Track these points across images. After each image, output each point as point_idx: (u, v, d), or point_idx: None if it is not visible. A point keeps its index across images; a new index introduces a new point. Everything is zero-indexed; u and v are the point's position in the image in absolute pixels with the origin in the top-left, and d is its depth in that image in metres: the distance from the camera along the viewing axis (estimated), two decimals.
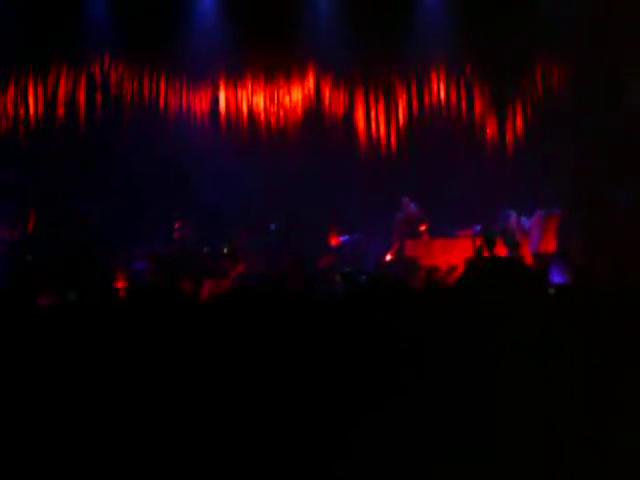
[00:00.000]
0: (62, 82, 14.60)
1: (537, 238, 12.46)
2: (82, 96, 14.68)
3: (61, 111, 14.57)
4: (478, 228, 12.46)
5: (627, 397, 3.17)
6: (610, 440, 3.13)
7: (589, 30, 13.34)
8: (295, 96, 15.33)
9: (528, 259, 11.45)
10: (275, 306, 4.45)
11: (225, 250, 13.11)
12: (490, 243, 10.19)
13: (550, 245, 12.23)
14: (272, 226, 13.50)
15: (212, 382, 3.69)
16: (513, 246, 11.84)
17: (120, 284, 12.15)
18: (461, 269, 10.99)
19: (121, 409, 3.58)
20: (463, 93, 14.97)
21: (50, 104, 14.52)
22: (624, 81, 13.07)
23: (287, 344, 3.86)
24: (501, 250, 11.48)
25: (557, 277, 10.85)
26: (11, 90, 14.38)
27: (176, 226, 13.30)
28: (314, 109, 15.30)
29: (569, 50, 13.95)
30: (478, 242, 11.65)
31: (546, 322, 3.65)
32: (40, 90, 14.49)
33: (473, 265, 7.90)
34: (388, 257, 12.94)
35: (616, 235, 11.86)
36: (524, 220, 12.75)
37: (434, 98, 15.03)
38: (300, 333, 3.98)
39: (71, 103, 14.59)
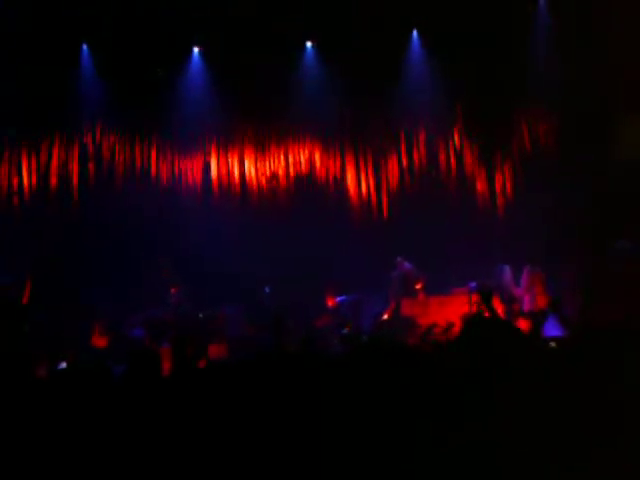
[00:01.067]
0: (55, 152, 14.71)
1: (529, 295, 12.47)
2: (75, 166, 14.79)
3: (54, 181, 14.66)
4: (473, 285, 12.51)
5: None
6: None
7: (573, 84, 13.54)
8: (286, 161, 15.48)
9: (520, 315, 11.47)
10: (275, 368, 4.46)
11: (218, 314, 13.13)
12: (486, 299, 10.21)
13: (541, 301, 12.22)
14: (266, 289, 13.54)
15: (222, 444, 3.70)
16: (508, 301, 11.89)
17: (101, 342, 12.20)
18: (458, 326, 11.02)
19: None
20: (452, 153, 15.14)
21: (43, 175, 14.61)
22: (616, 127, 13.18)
23: (292, 405, 3.87)
24: (497, 306, 11.50)
25: (552, 330, 10.88)
26: (4, 162, 14.48)
27: (172, 292, 13.29)
28: (305, 173, 15.44)
29: (554, 103, 14.14)
30: (474, 298, 11.67)
31: (547, 377, 3.67)
32: (33, 161, 14.59)
33: (470, 323, 7.91)
34: (385, 316, 12.96)
35: (611, 283, 11.90)
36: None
37: (423, 160, 15.20)
38: (304, 394, 3.98)
39: (64, 173, 14.69)
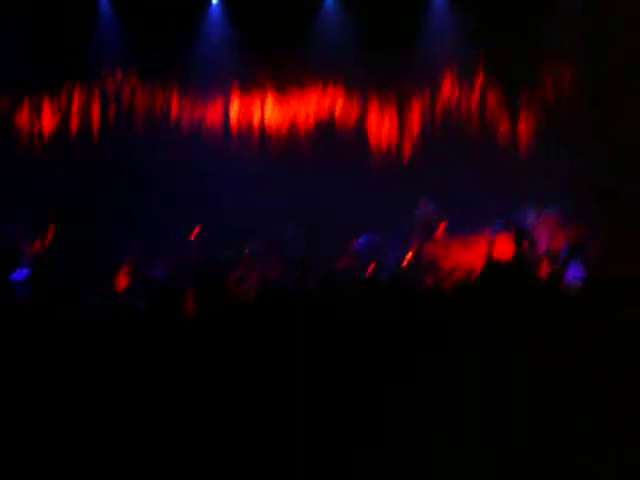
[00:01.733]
0: (75, 97, 14.71)
1: (546, 236, 12.39)
2: (95, 110, 14.79)
3: (74, 126, 14.69)
4: (498, 224, 12.42)
5: None
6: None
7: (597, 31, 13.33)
8: (307, 107, 15.38)
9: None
10: (297, 309, 4.46)
11: (246, 252, 13.17)
12: (520, 239, 10.13)
13: (557, 243, 12.14)
14: (292, 225, 13.57)
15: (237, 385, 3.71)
16: (530, 244, 11.81)
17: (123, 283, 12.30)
18: (480, 268, 10.99)
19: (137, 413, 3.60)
20: (475, 97, 14.96)
21: (64, 120, 14.64)
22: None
23: (312, 343, 3.88)
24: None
25: (575, 272, 10.84)
26: (25, 108, 14.51)
27: (195, 231, 13.35)
28: (326, 118, 15.34)
29: (577, 50, 13.93)
30: (502, 240, 11.61)
31: (568, 319, 3.64)
32: (55, 107, 14.61)
33: (491, 269, 7.87)
34: (408, 257, 12.94)
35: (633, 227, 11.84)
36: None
37: (446, 100, 15.04)
38: (319, 335, 3.99)
39: (84, 118, 14.71)
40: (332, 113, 15.31)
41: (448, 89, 15.02)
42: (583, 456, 2.96)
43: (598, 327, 3.52)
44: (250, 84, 15.30)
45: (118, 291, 12.24)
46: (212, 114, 15.25)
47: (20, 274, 11.02)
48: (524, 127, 14.65)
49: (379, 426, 3.39)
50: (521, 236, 10.18)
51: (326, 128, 15.28)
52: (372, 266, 11.95)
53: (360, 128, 15.29)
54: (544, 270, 9.88)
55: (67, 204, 13.44)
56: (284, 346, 3.95)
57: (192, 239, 13.34)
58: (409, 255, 13.00)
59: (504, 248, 11.39)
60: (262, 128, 15.36)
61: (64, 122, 14.65)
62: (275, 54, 14.86)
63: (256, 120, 15.36)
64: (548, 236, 12.32)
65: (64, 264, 12.33)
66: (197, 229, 13.46)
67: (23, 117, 14.51)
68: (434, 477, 3.09)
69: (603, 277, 6.41)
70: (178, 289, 10.17)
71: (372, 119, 15.28)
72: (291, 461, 3.32)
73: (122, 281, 12.46)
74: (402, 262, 12.90)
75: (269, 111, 15.37)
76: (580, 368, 3.22)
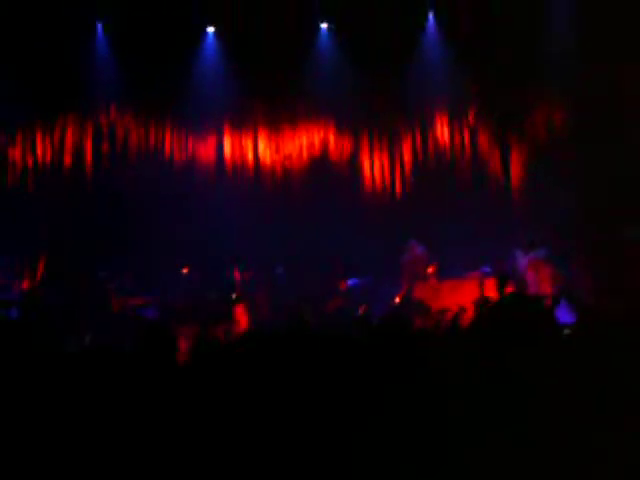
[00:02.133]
0: (69, 132, 14.76)
1: (532, 280, 12.39)
2: (89, 146, 14.84)
3: (68, 160, 14.71)
4: (486, 269, 12.50)
5: None
6: None
7: (588, 65, 13.43)
8: (300, 143, 15.46)
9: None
10: (292, 347, 4.45)
11: (234, 296, 13.16)
12: (502, 284, 10.18)
13: (544, 287, 12.15)
14: (279, 269, 13.55)
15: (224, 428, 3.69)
16: (520, 287, 11.85)
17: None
18: (470, 311, 11.01)
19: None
20: (466, 136, 15.08)
21: (57, 154, 14.67)
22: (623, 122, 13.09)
23: (306, 384, 3.87)
24: (510, 290, 11.47)
25: (564, 317, 10.85)
26: (19, 141, 14.55)
27: (184, 272, 13.34)
28: (319, 156, 15.42)
29: (569, 87, 14.02)
30: (489, 283, 11.66)
31: (565, 362, 3.65)
32: (47, 141, 14.66)
33: (489, 306, 7.89)
34: (397, 300, 12.95)
35: (624, 271, 11.87)
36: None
37: (438, 142, 15.15)
38: (319, 374, 3.98)
39: (78, 153, 14.74)
40: (324, 149, 15.39)
41: (440, 129, 15.13)
42: None
43: (591, 371, 3.55)
44: (243, 120, 15.37)
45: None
46: (206, 149, 15.30)
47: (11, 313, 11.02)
48: (515, 168, 14.73)
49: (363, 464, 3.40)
50: (504, 281, 10.24)
51: (318, 164, 15.35)
52: (364, 307, 11.96)
53: (353, 165, 15.36)
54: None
55: (57, 240, 13.40)
56: (279, 385, 3.94)
57: (182, 277, 13.31)
58: (398, 297, 13.02)
59: (493, 291, 11.44)
60: (255, 163, 15.41)
61: (57, 156, 14.65)
62: (269, 90, 14.97)
63: (249, 155, 15.42)
64: (535, 279, 12.35)
65: (52, 303, 12.31)
66: (186, 269, 13.44)
67: (17, 151, 14.51)
68: None
69: (592, 321, 6.44)
70: (170, 330, 10.18)
71: (364, 156, 15.36)
72: None
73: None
74: (392, 303, 12.91)
75: (262, 147, 15.44)
76: (574, 412, 3.24)
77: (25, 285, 12.45)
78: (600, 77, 13.07)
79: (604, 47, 12.85)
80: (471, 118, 15.05)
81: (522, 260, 12.45)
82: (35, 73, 13.78)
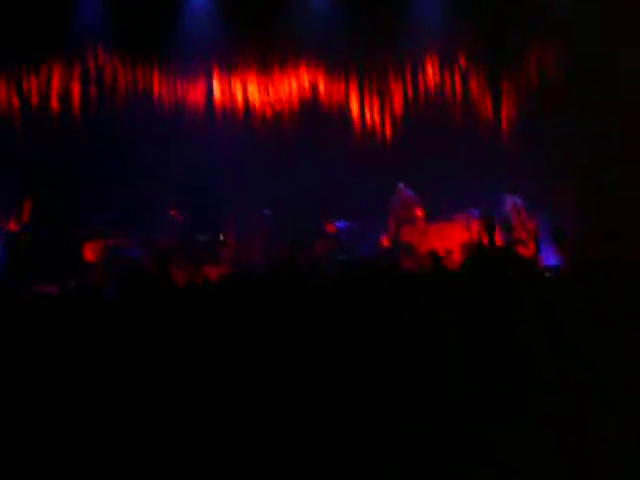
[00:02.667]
0: (55, 74, 14.57)
1: (517, 223, 12.40)
2: (76, 88, 14.66)
3: (55, 104, 14.54)
4: (474, 211, 12.47)
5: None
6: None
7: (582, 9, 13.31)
8: (289, 86, 15.31)
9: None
10: (275, 292, 4.43)
11: (221, 237, 13.15)
12: (489, 228, 10.18)
13: (522, 231, 12.16)
14: (266, 211, 13.51)
15: (211, 370, 3.67)
16: (508, 230, 11.87)
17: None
18: (457, 253, 11.02)
19: (114, 402, 3.55)
20: (457, 79, 14.95)
21: (44, 96, 14.50)
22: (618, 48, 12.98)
23: (287, 329, 3.85)
24: (497, 235, 11.48)
25: (550, 259, 10.87)
26: (3, 82, 14.36)
27: (172, 213, 13.30)
28: (309, 99, 15.28)
29: (562, 28, 13.89)
30: (476, 226, 11.65)
31: (548, 306, 3.64)
32: (34, 84, 14.47)
33: (473, 253, 7.86)
34: (385, 242, 12.95)
35: (611, 208, 11.89)
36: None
37: (429, 84, 15.02)
38: (299, 318, 3.97)
39: (65, 96, 14.58)
40: (315, 94, 15.25)
41: (431, 71, 14.99)
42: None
43: (579, 312, 3.54)
44: (233, 62, 15.19)
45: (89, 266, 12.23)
46: (195, 92, 15.14)
47: None
48: (506, 111, 14.65)
49: (358, 408, 3.38)
50: (491, 225, 10.24)
51: (309, 109, 15.22)
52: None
53: (342, 108, 15.24)
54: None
55: (44, 179, 13.31)
56: (265, 327, 3.92)
57: (170, 218, 13.27)
58: (386, 239, 13.03)
59: (480, 235, 11.45)
60: (246, 107, 15.27)
61: (44, 99, 14.48)
62: (258, 32, 14.78)
63: (239, 99, 15.27)
64: (518, 223, 12.38)
65: (38, 243, 12.29)
66: (174, 211, 13.40)
67: (2, 92, 14.33)
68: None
69: (580, 262, 6.44)
70: (151, 270, 10.18)
71: (354, 99, 15.23)
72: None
73: (92, 256, 12.42)
74: (380, 246, 12.92)
75: (252, 90, 15.28)
76: (567, 355, 3.24)
77: (11, 226, 12.39)
78: (594, 17, 12.97)
79: None
80: (462, 60, 14.91)
81: (508, 203, 12.44)
82: (20, 14, 13.56)
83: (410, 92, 15.05)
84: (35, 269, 11.34)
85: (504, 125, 14.59)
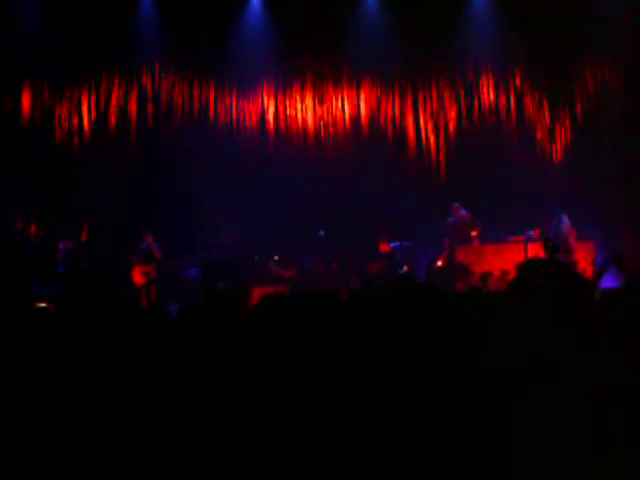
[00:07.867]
0: (114, 93, 14.81)
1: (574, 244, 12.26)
2: (134, 106, 14.89)
3: (113, 121, 14.77)
4: (530, 233, 12.37)
5: None
6: None
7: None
8: (344, 106, 15.38)
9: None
10: (334, 308, 4.43)
11: (275, 258, 13.22)
12: (551, 250, 10.02)
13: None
14: (321, 233, 13.55)
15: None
16: (566, 252, 11.71)
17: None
18: (512, 274, 10.92)
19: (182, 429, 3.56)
20: (513, 98, 14.90)
21: (103, 114, 14.74)
22: None
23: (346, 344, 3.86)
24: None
25: (607, 282, 10.69)
26: (65, 102, 14.63)
27: (227, 235, 13.41)
28: (364, 119, 15.33)
29: (619, 51, 13.76)
30: (535, 248, 11.54)
31: (598, 328, 3.58)
32: (93, 101, 14.72)
33: (526, 270, 7.77)
34: (439, 263, 12.91)
35: None
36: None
37: (484, 104, 14.99)
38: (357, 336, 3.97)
39: (123, 113, 14.81)
40: (370, 111, 15.30)
41: (486, 91, 14.95)
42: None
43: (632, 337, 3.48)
44: (289, 82, 15.30)
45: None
46: (250, 109, 15.27)
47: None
48: (561, 134, 14.56)
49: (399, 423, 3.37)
50: (553, 247, 10.10)
51: (364, 129, 15.27)
52: (407, 267, 11.96)
53: (398, 127, 15.25)
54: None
55: (101, 202, 13.54)
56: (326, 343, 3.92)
57: (226, 239, 13.36)
58: (441, 259, 12.98)
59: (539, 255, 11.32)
60: (302, 128, 15.36)
61: (102, 116, 14.73)
62: (314, 50, 14.93)
63: (294, 116, 15.37)
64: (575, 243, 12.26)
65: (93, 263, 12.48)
66: (229, 233, 13.48)
67: (63, 111, 14.61)
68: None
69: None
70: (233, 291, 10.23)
71: (409, 118, 15.23)
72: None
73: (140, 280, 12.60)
74: (434, 266, 12.87)
75: (306, 108, 15.37)
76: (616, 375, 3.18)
77: (70, 245, 12.61)
78: None
79: None
80: (518, 80, 14.86)
81: (566, 223, 12.29)
82: (81, 32, 13.81)
83: (464, 112, 15.03)
84: (88, 286, 11.57)
85: (558, 146, 14.53)
